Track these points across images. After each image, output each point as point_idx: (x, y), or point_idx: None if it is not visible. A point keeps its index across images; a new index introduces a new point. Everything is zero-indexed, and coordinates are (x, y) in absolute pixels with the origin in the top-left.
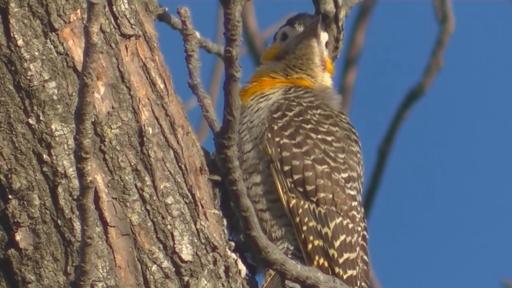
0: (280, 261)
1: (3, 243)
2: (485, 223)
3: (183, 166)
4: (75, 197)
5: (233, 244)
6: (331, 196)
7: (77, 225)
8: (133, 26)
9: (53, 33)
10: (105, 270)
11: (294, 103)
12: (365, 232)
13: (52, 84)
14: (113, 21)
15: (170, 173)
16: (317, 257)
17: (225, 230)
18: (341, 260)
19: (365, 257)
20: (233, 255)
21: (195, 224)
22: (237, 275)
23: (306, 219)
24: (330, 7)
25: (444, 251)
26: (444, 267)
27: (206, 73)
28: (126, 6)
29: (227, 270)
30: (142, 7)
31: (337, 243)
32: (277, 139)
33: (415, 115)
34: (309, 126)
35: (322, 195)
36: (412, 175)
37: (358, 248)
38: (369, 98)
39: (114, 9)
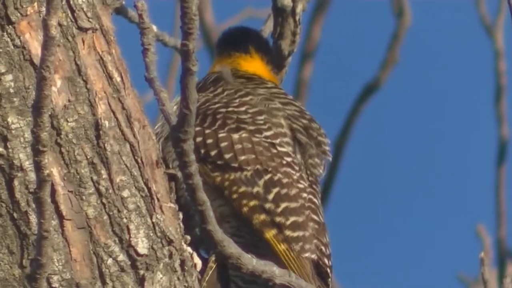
0: (236, 255)
1: None
2: (440, 216)
3: (139, 160)
4: (31, 190)
5: (188, 237)
6: (253, 156)
7: (33, 218)
8: (90, 20)
9: (10, 26)
10: (60, 263)
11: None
12: (313, 193)
13: (9, 77)
14: (70, 14)
15: (126, 166)
16: (256, 215)
17: (181, 224)
18: (279, 210)
19: (314, 216)
20: (189, 249)
21: (151, 218)
22: (193, 268)
23: (235, 187)
24: (287, 1)
25: (399, 244)
26: (399, 260)
27: (162, 67)
28: None
29: (182, 263)
30: (99, 0)
31: (270, 196)
32: None
33: (371, 109)
34: (216, 105)
35: (242, 157)
36: (368, 168)
37: (301, 201)
38: (326, 92)
39: (71, 2)
